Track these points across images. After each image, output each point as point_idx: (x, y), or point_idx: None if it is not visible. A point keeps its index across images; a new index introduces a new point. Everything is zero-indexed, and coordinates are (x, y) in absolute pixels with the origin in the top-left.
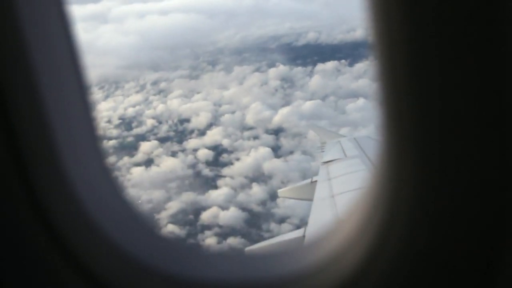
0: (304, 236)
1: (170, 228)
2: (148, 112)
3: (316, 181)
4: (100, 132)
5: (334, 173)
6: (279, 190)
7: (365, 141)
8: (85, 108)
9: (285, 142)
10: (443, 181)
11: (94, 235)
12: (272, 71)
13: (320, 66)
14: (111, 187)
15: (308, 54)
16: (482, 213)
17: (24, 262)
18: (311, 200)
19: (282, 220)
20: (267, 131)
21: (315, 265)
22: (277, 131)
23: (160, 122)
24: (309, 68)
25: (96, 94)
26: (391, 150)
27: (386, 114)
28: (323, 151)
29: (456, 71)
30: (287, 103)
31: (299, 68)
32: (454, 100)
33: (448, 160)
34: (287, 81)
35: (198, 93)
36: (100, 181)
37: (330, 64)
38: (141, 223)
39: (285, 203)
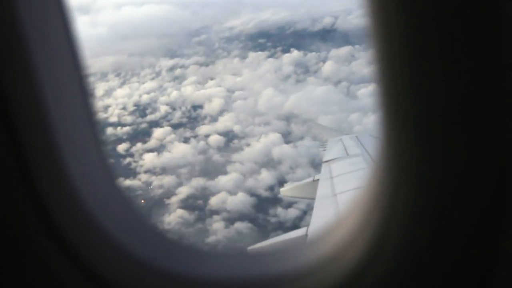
0: (306, 235)
1: (180, 213)
2: (162, 98)
3: (318, 179)
4: (101, 130)
5: (336, 172)
6: (281, 189)
7: (367, 139)
8: (86, 107)
9: (295, 128)
10: (443, 179)
11: (95, 234)
12: (286, 57)
13: (334, 52)
14: (112, 185)
15: (323, 39)
16: (481, 212)
17: (25, 261)
18: (313, 199)
19: (289, 205)
20: (278, 117)
21: (315, 262)
22: (288, 117)
23: (173, 109)
24: (324, 53)
25: (112, 81)
26: (391, 148)
27: (385, 112)
28: (325, 150)
29: (455, 69)
30: (299, 89)
31: (313, 54)
32: (454, 98)
33: (448, 159)
34: (301, 67)
35: (212, 79)
36: (101, 180)
37: (345, 50)
38: (142, 221)
39: None
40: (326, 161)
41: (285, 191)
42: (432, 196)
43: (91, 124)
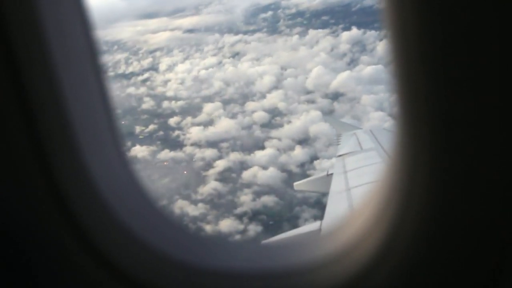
0: (320, 229)
1: (214, 185)
2: (219, 74)
3: (332, 174)
4: (119, 125)
5: (350, 166)
6: (295, 183)
7: (381, 133)
8: (103, 98)
9: (338, 107)
10: (457, 175)
11: (111, 223)
12: (345, 35)
13: None
14: (130, 177)
15: None
16: (496, 212)
17: (42, 250)
18: (327, 193)
19: None
20: (325, 95)
21: (328, 256)
22: (334, 96)
23: (227, 85)
24: (384, 32)
25: (176, 56)
26: (406, 143)
27: (401, 107)
28: (339, 144)
29: (474, 64)
30: (351, 68)
31: (372, 32)
32: (471, 94)
33: (463, 155)
34: (358, 45)
35: (269, 56)
36: (119, 171)
37: None
38: (158, 212)
39: (322, 165)
40: (340, 155)
41: (298, 185)
42: (446, 194)
43: (108, 116)
